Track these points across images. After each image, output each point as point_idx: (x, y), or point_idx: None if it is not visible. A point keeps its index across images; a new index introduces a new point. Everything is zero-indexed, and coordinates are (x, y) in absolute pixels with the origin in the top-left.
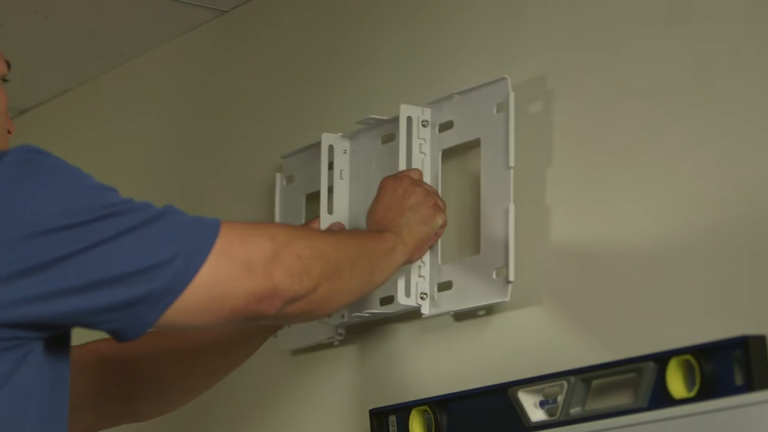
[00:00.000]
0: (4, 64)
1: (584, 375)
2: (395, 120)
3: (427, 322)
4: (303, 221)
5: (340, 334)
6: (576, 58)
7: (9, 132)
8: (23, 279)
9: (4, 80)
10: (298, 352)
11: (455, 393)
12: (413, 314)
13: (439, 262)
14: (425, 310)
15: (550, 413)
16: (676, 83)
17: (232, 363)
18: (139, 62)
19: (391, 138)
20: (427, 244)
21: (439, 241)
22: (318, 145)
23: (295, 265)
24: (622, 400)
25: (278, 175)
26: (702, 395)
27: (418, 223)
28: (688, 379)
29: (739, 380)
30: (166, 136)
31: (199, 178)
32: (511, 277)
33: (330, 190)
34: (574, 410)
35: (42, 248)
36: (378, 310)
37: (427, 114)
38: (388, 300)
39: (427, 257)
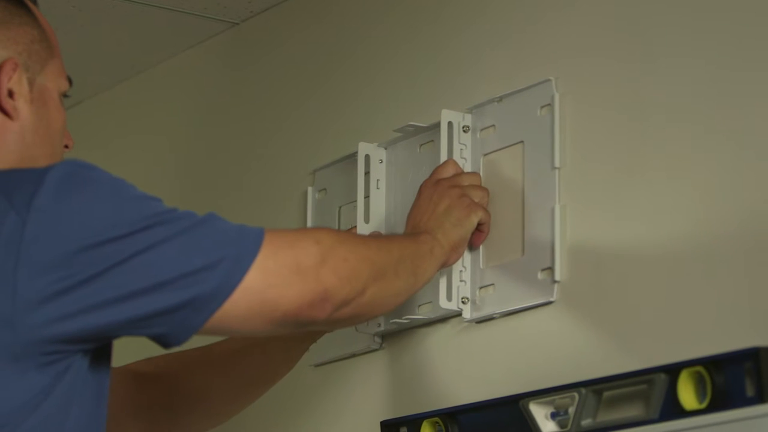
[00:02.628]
0: (65, 80)
1: (595, 386)
2: (434, 127)
3: (440, 331)
4: None
5: (377, 343)
6: (589, 65)
7: (67, 147)
8: (71, 294)
9: (65, 96)
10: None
11: (466, 405)
12: (428, 323)
13: (481, 266)
14: (467, 314)
15: (561, 425)
16: (692, 93)
17: (274, 372)
18: (151, 74)
19: (429, 146)
20: (463, 245)
21: (481, 246)
22: (351, 156)
23: (343, 268)
24: (633, 411)
25: (310, 189)
26: (713, 407)
27: (452, 225)
28: (700, 390)
29: (750, 392)
30: (182, 149)
31: (221, 194)
32: (558, 277)
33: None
34: (586, 422)
35: (89, 262)
36: (418, 315)
37: (467, 119)
38: (425, 306)
39: (468, 261)
